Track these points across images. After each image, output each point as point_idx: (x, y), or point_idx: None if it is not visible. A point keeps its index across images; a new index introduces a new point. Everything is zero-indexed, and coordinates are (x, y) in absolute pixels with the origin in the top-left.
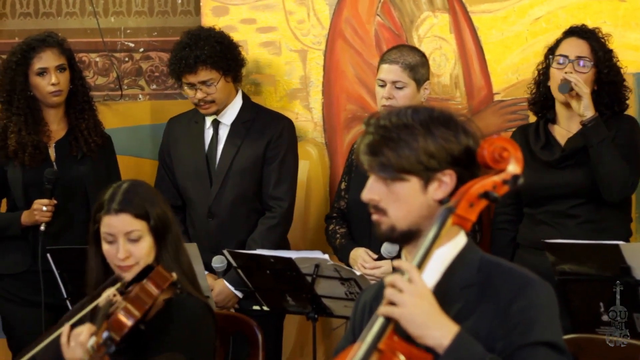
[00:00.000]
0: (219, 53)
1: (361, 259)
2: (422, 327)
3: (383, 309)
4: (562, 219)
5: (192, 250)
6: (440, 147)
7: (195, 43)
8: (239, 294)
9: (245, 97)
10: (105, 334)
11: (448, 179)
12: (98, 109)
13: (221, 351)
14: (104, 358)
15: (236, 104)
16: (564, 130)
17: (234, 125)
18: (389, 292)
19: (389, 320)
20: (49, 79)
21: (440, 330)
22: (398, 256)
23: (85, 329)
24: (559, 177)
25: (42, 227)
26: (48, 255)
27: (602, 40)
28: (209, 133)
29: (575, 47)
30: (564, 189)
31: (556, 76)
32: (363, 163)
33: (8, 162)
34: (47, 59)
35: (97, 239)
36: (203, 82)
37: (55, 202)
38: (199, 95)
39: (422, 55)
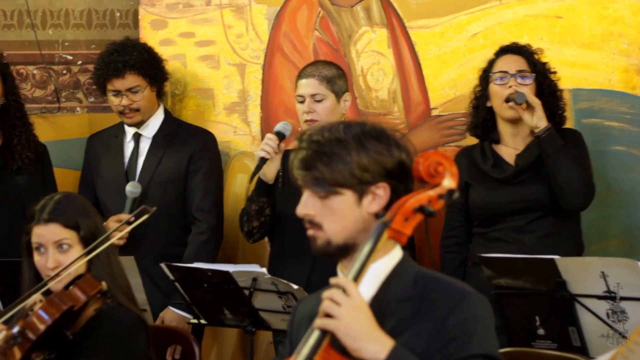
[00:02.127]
0: (147, 60)
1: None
2: (358, 340)
3: (319, 322)
4: (520, 235)
5: (129, 263)
6: (374, 161)
7: (123, 49)
8: (189, 316)
9: (167, 112)
10: (15, 329)
11: (382, 192)
12: (35, 122)
13: None
14: (12, 350)
15: (158, 117)
16: (510, 148)
17: (155, 137)
18: (326, 305)
19: (325, 333)
20: None
21: (376, 344)
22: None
23: None
24: (516, 193)
25: None
26: None
27: (536, 54)
28: (129, 146)
29: (513, 63)
30: (521, 204)
31: (499, 93)
32: (297, 178)
33: None
34: None
35: (29, 250)
36: (129, 89)
37: None
38: (124, 102)
39: (339, 68)
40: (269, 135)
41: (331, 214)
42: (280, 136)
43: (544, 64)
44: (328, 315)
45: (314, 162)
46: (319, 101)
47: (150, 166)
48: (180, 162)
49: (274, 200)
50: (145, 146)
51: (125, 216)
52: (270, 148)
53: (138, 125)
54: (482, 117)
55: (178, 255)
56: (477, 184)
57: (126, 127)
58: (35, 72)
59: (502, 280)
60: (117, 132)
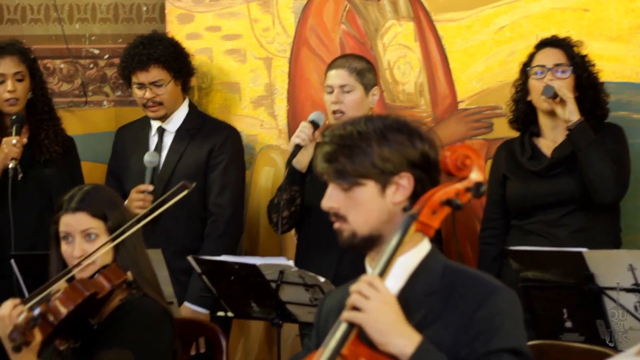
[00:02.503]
0: (172, 54)
1: None
2: (385, 334)
3: (347, 315)
4: (554, 229)
5: (156, 256)
6: (395, 151)
7: (149, 42)
8: (204, 311)
9: (192, 106)
10: (36, 311)
11: (405, 182)
12: (62, 116)
13: (184, 357)
14: (32, 331)
15: (182, 111)
16: (549, 142)
17: (178, 132)
18: (354, 298)
19: (352, 326)
20: (5, 87)
21: (403, 338)
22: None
23: (8, 304)
24: (549, 186)
25: (11, 165)
26: (12, 261)
27: (576, 46)
28: (154, 140)
29: (551, 56)
30: (554, 197)
31: (537, 87)
32: (322, 172)
33: None
34: (5, 67)
35: (58, 239)
36: (153, 82)
37: (25, 140)
38: (148, 95)
39: (369, 62)
40: (303, 123)
41: (355, 206)
42: (315, 125)
43: (584, 56)
44: (356, 309)
45: (336, 155)
46: (347, 92)
47: (171, 160)
48: (201, 157)
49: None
50: (168, 140)
51: (145, 186)
52: (305, 135)
53: (162, 118)
54: (522, 111)
55: (199, 249)
56: (514, 176)
57: (151, 121)
58: (62, 66)
59: (530, 273)
60: (144, 125)
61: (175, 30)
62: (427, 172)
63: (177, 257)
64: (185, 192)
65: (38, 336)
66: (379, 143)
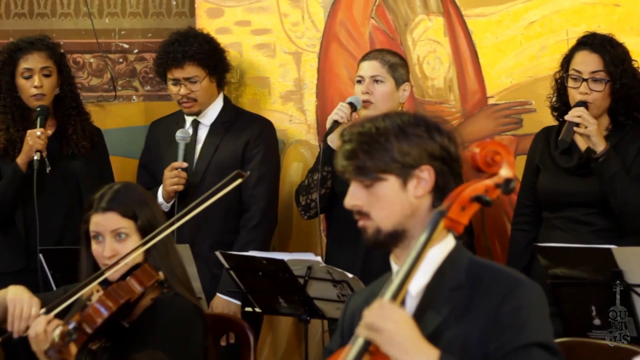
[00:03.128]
0: (207, 51)
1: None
2: (404, 352)
3: (364, 332)
4: (577, 225)
5: (185, 251)
6: (415, 145)
7: (184, 39)
8: (237, 302)
9: (226, 100)
10: (71, 325)
11: (426, 174)
12: (91, 110)
13: (214, 352)
14: (68, 347)
15: (217, 105)
16: (581, 140)
17: (213, 125)
18: (369, 319)
19: (369, 343)
20: (32, 82)
21: (423, 355)
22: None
23: (42, 321)
24: (575, 185)
25: (37, 157)
26: (40, 255)
27: (615, 49)
28: (188, 133)
29: (589, 63)
30: (578, 197)
31: (572, 94)
32: (342, 171)
33: (1, 159)
34: (33, 62)
35: (88, 238)
36: (188, 79)
37: (49, 132)
38: (183, 91)
39: (402, 58)
40: (342, 103)
41: (377, 202)
42: (352, 107)
43: (622, 62)
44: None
45: (356, 152)
46: (378, 83)
47: (207, 153)
48: (236, 149)
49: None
50: (203, 134)
51: (179, 163)
52: (343, 113)
53: (196, 114)
54: (563, 103)
55: (233, 242)
56: (544, 169)
57: (184, 129)
58: (91, 60)
59: (558, 270)
60: (177, 119)
61: (205, 24)
62: (448, 164)
63: (213, 250)
64: (239, 181)
65: (74, 349)
66: (398, 138)
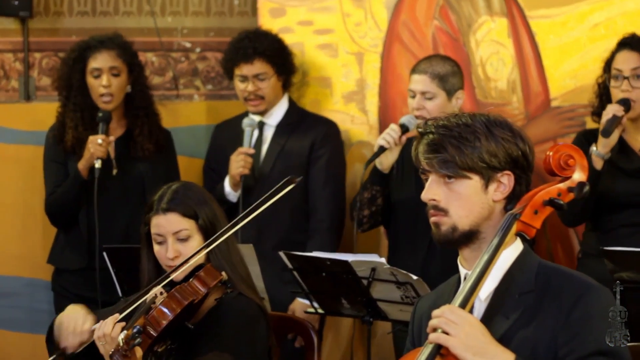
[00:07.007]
0: (276, 49)
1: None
2: (480, 355)
3: (434, 337)
4: (635, 228)
5: (248, 251)
6: (501, 147)
7: (255, 36)
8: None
9: (291, 101)
10: (136, 328)
11: (506, 180)
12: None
13: (277, 351)
14: (133, 351)
15: (282, 106)
16: (632, 139)
17: (279, 126)
18: (438, 322)
19: (439, 347)
20: (100, 81)
21: (498, 357)
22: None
23: (109, 321)
24: (636, 186)
25: (97, 165)
26: (104, 253)
27: None
28: (254, 134)
29: (630, 61)
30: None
31: (614, 93)
32: (423, 163)
33: (68, 156)
34: (102, 61)
35: (149, 240)
36: (256, 76)
37: (111, 139)
38: (250, 88)
39: (454, 64)
40: (392, 126)
41: (457, 199)
42: (404, 128)
43: None
44: (443, 331)
45: (444, 145)
46: (429, 99)
47: (273, 153)
48: (302, 150)
49: (387, 191)
50: (268, 134)
51: (246, 149)
52: (391, 138)
53: (262, 113)
54: (603, 107)
55: (299, 241)
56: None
57: (251, 116)
58: (153, 59)
59: (625, 274)
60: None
61: (267, 24)
62: (525, 172)
63: (277, 249)
64: (291, 187)
65: (139, 353)
66: (487, 137)
